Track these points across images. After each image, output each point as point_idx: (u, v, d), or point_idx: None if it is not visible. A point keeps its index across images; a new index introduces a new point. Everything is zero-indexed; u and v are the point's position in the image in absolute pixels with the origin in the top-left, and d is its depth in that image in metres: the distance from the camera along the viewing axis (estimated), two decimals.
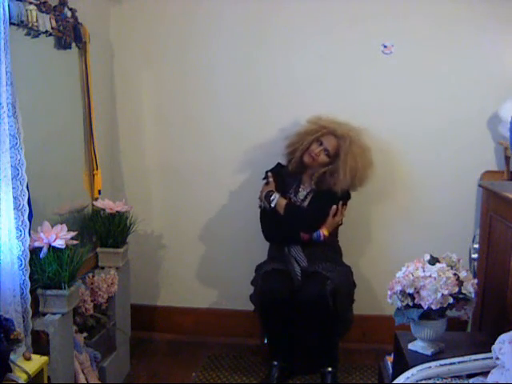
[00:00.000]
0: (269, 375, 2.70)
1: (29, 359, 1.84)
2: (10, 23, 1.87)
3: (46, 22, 2.15)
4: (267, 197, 2.73)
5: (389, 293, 1.91)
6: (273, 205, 2.71)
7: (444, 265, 1.89)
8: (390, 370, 2.19)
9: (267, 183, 2.80)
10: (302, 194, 2.80)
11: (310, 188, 2.79)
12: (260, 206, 2.81)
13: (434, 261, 1.93)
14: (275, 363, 2.70)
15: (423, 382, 1.70)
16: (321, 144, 2.72)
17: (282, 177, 2.82)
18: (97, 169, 2.71)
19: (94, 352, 2.36)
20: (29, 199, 1.93)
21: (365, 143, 2.77)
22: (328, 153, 2.71)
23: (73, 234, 2.09)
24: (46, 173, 2.32)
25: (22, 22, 1.99)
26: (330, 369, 2.67)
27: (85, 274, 2.45)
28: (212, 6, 3.00)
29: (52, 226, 2.06)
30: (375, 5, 2.91)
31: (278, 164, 2.86)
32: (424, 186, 3.04)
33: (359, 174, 2.72)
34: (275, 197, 2.72)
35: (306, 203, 2.77)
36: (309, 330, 2.64)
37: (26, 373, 1.77)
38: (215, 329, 3.21)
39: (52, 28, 2.20)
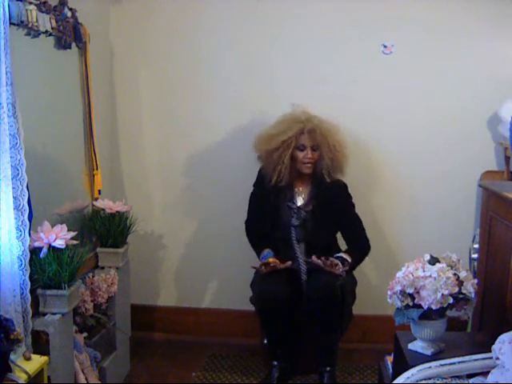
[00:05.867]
0: (269, 375, 2.70)
1: (29, 359, 1.84)
2: (10, 23, 1.87)
3: (45, 22, 2.15)
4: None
5: (389, 293, 1.91)
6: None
7: (444, 265, 1.89)
8: (390, 370, 2.18)
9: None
10: (299, 199, 2.76)
11: (309, 192, 2.76)
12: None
13: (434, 261, 1.92)
14: (275, 363, 2.69)
15: (423, 382, 1.70)
16: (304, 147, 2.69)
17: (265, 190, 2.75)
18: (97, 169, 2.70)
19: (94, 352, 2.35)
20: (29, 199, 1.93)
21: (324, 118, 2.73)
22: (315, 147, 2.69)
23: (73, 234, 2.09)
24: (46, 173, 2.32)
25: (22, 21, 1.98)
26: (328, 368, 2.66)
27: (85, 274, 2.44)
28: (212, 6, 3.00)
29: (52, 226, 2.06)
30: (375, 5, 2.92)
31: (259, 176, 2.80)
32: (424, 185, 3.04)
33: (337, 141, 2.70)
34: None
35: (309, 208, 2.73)
36: (313, 326, 2.62)
37: (26, 373, 1.77)
38: (215, 329, 3.21)
39: (52, 28, 2.20)
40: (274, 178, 2.70)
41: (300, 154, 2.70)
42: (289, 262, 2.62)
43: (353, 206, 2.81)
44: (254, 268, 2.66)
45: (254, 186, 2.85)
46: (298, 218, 2.73)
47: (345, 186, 2.81)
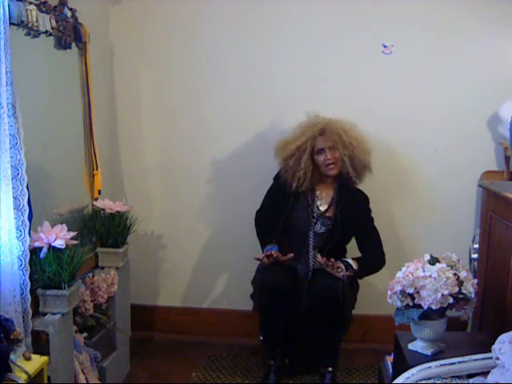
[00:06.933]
0: (267, 375, 2.70)
1: (29, 359, 1.84)
2: (10, 23, 1.86)
3: (45, 22, 2.15)
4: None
5: (389, 293, 1.91)
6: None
7: (444, 265, 1.89)
8: (390, 370, 2.19)
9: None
10: (321, 204, 2.74)
11: (331, 197, 2.75)
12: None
13: (434, 261, 1.93)
14: (272, 362, 2.70)
15: (423, 382, 1.70)
16: (322, 150, 2.67)
17: (284, 189, 2.72)
18: (97, 169, 2.70)
19: (94, 352, 2.35)
20: (29, 199, 1.93)
21: (343, 120, 2.73)
22: (333, 146, 2.66)
23: (73, 234, 2.09)
24: (46, 173, 2.32)
25: (22, 21, 1.99)
26: (330, 369, 2.66)
27: (85, 274, 2.45)
28: (212, 6, 3.00)
29: (52, 226, 2.06)
30: (375, 5, 2.92)
31: (278, 175, 2.77)
32: (424, 185, 3.04)
33: (354, 140, 2.69)
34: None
35: (328, 214, 2.72)
36: (314, 326, 2.61)
37: (26, 373, 1.77)
38: (215, 329, 3.21)
39: (52, 28, 2.20)
40: (294, 184, 2.68)
41: (320, 158, 2.68)
42: (291, 255, 2.61)
43: (372, 219, 2.79)
44: (258, 259, 2.66)
45: (274, 179, 2.82)
46: (322, 224, 2.71)
47: (367, 198, 2.80)
